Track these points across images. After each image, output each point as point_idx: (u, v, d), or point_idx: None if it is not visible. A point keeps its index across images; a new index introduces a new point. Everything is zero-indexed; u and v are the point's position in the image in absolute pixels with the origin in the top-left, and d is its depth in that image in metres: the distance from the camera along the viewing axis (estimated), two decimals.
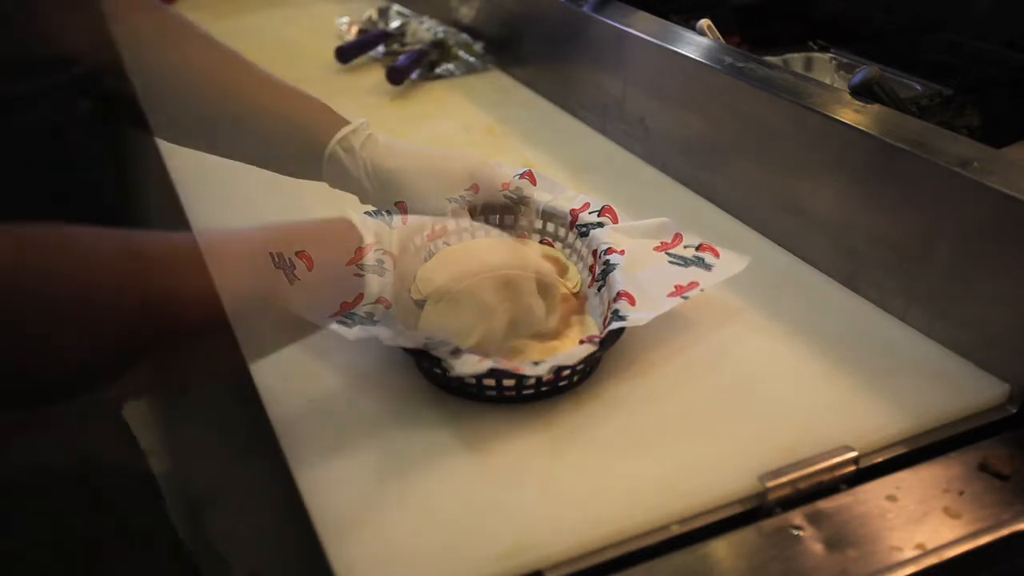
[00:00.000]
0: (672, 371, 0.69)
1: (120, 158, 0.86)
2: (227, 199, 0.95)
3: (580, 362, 0.62)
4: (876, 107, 0.78)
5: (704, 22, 1.00)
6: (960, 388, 0.67)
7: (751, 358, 0.70)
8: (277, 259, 0.72)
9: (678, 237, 0.75)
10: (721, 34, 1.00)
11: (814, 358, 0.70)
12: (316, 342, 0.70)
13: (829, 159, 0.78)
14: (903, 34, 1.12)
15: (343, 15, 1.52)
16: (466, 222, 0.82)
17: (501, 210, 0.82)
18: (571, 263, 0.79)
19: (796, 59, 1.09)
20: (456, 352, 0.60)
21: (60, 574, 0.71)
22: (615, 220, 0.78)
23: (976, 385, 0.67)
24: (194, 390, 0.79)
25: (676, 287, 0.68)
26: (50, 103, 0.73)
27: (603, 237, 0.75)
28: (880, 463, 0.62)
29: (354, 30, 1.47)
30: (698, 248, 0.73)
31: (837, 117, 0.76)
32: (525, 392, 0.64)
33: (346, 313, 0.67)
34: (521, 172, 0.84)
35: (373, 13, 1.50)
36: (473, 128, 1.14)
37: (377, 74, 1.31)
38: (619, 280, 0.68)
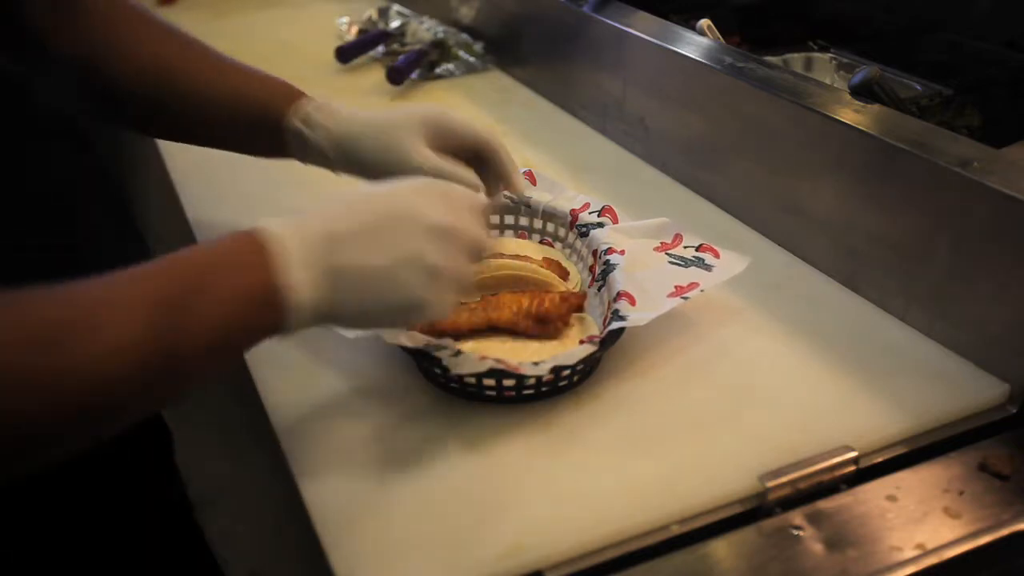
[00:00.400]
0: (672, 371, 0.69)
1: (119, 157, 0.86)
2: (225, 197, 0.95)
3: (580, 362, 0.62)
4: (876, 107, 0.78)
5: (704, 22, 1.00)
6: (960, 388, 0.67)
7: (751, 358, 0.70)
8: None
9: (678, 237, 0.75)
10: (721, 34, 1.00)
11: (814, 358, 0.70)
12: (316, 342, 0.70)
13: (829, 159, 0.78)
14: (903, 34, 1.12)
15: (343, 15, 1.52)
16: None
17: (501, 210, 0.83)
18: (571, 263, 0.79)
19: (796, 59, 1.09)
20: (456, 353, 0.61)
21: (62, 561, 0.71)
22: (615, 220, 0.78)
23: (976, 385, 0.67)
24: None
25: (676, 287, 0.68)
26: (56, 93, 0.73)
27: (603, 237, 0.75)
28: (880, 463, 0.62)
29: (354, 30, 1.47)
30: (698, 248, 0.73)
31: (837, 117, 0.76)
32: (525, 392, 0.64)
33: None
34: (521, 172, 0.84)
35: (373, 13, 1.50)
36: None
37: (377, 74, 1.31)
38: (619, 280, 0.68)
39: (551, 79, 1.22)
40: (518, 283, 0.73)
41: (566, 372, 0.63)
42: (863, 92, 0.80)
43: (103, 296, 0.45)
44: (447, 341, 0.62)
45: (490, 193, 0.76)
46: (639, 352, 0.70)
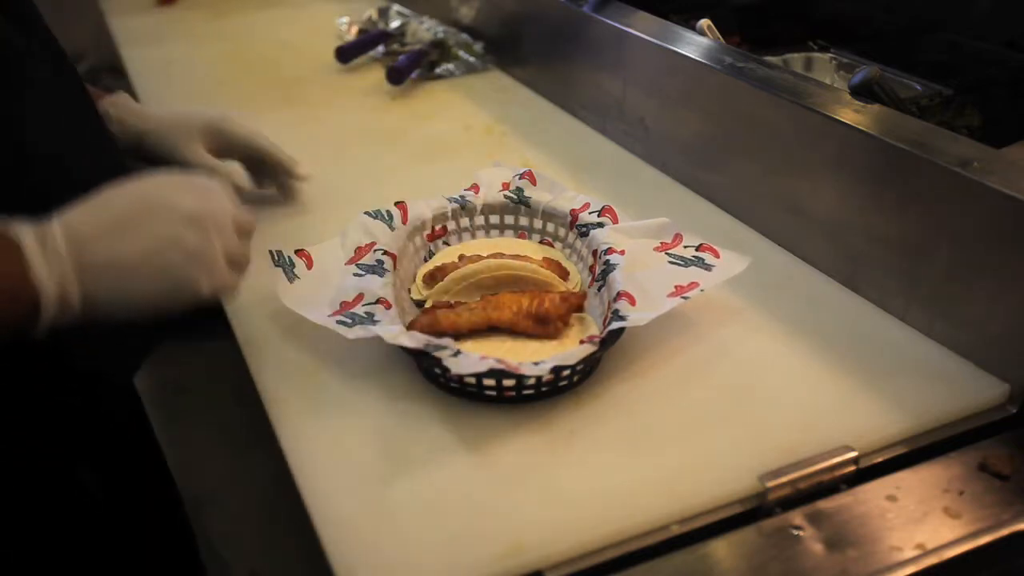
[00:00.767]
0: (672, 371, 0.69)
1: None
2: None
3: (580, 362, 0.62)
4: (876, 107, 0.78)
5: (704, 22, 1.00)
6: (960, 388, 0.67)
7: (751, 358, 0.70)
8: (276, 257, 0.73)
9: (678, 237, 0.75)
10: (721, 34, 1.00)
11: (814, 358, 0.70)
12: (316, 342, 0.71)
13: (829, 159, 0.78)
14: (903, 34, 1.12)
15: (343, 15, 1.52)
16: (466, 222, 0.83)
17: (501, 210, 0.83)
18: (571, 263, 0.79)
19: (796, 59, 1.09)
20: (456, 353, 0.61)
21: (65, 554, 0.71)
22: (615, 220, 0.78)
23: (976, 385, 0.67)
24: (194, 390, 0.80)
25: (676, 287, 0.68)
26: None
27: (603, 237, 0.75)
28: (880, 463, 0.62)
29: (354, 30, 1.47)
30: (698, 248, 0.73)
31: (837, 117, 0.76)
32: (525, 392, 0.64)
33: (346, 313, 0.67)
34: (521, 172, 0.84)
35: (373, 13, 1.50)
36: (473, 128, 1.14)
37: (377, 74, 1.31)
38: (619, 280, 0.68)
39: (551, 79, 1.22)
40: (518, 283, 0.74)
41: (566, 372, 0.63)
42: (863, 92, 0.80)
43: None
44: (447, 341, 0.62)
45: (266, 186, 0.91)
46: (639, 352, 0.70)
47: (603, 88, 1.08)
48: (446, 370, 0.61)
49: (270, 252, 0.73)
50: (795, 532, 0.56)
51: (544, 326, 0.69)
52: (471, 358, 0.60)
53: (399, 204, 0.79)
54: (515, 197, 0.82)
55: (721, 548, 0.55)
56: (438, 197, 0.82)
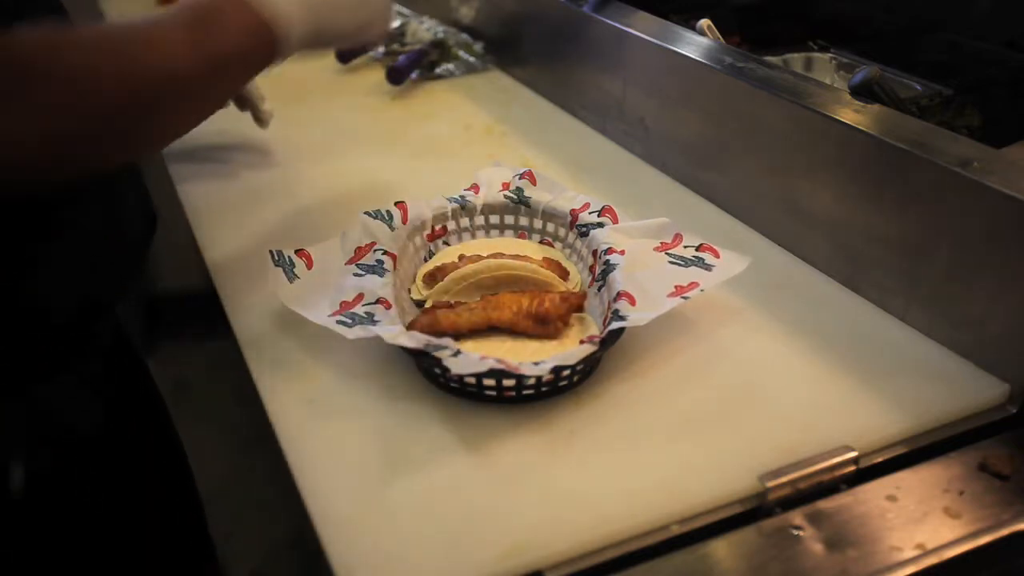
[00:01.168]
0: (672, 371, 0.69)
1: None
2: (224, 197, 0.95)
3: (580, 362, 0.62)
4: (876, 107, 0.78)
5: (704, 22, 1.00)
6: (960, 388, 0.67)
7: (751, 358, 0.70)
8: (276, 257, 0.73)
9: (678, 237, 0.75)
10: (721, 34, 1.00)
11: (814, 358, 0.70)
12: (316, 342, 0.71)
13: (829, 159, 0.78)
14: (903, 34, 1.12)
15: None
16: (466, 222, 0.83)
17: (501, 210, 0.83)
18: (571, 263, 0.79)
19: (796, 59, 1.09)
20: (456, 353, 0.61)
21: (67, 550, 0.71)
22: (615, 220, 0.78)
23: (976, 385, 0.67)
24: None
25: (676, 287, 0.68)
26: None
27: (603, 237, 0.75)
28: (880, 463, 0.62)
29: None
30: (698, 248, 0.73)
31: (837, 117, 0.76)
32: (525, 392, 0.64)
33: (346, 313, 0.67)
34: (521, 172, 0.84)
35: None
36: (473, 128, 1.14)
37: (377, 74, 1.31)
38: (619, 280, 0.68)
39: (551, 79, 1.22)
40: (518, 283, 0.74)
41: (566, 372, 0.63)
42: (863, 92, 0.80)
43: (148, 21, 0.58)
44: (447, 341, 0.62)
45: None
46: (639, 352, 0.70)
47: (603, 88, 1.08)
48: (446, 370, 0.61)
49: (270, 252, 0.73)
50: (795, 532, 0.56)
51: (544, 326, 0.69)
52: (471, 358, 0.60)
53: (399, 204, 0.79)
54: (515, 197, 0.82)
55: (721, 548, 0.55)
56: (438, 197, 0.82)
